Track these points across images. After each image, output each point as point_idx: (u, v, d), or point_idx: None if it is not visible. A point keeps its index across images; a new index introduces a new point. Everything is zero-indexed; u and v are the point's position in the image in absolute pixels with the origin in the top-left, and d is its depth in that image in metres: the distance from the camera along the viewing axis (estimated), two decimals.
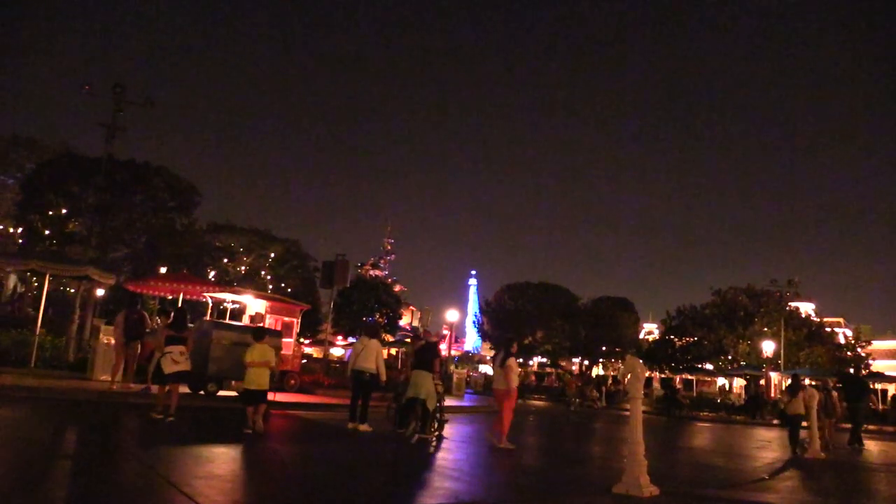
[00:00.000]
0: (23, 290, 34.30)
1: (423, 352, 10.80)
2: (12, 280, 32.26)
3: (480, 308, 58.41)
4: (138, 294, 20.39)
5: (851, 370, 43.48)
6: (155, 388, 10.87)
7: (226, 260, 38.62)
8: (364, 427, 10.53)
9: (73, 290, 26.87)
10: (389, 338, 38.02)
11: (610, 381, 39.20)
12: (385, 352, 26.54)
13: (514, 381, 10.18)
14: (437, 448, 9.60)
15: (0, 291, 34.51)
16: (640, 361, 7.35)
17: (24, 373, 14.04)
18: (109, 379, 13.81)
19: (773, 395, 38.67)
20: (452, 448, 9.86)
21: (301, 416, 12.91)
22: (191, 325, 16.86)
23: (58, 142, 34.91)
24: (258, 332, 10.31)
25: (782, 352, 38.38)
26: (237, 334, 13.95)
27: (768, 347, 38.89)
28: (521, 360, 42.90)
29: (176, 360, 10.12)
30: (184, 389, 13.38)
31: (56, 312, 28.23)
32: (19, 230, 31.97)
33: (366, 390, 10.80)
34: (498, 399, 10.14)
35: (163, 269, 29.02)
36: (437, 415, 10.90)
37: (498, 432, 9.80)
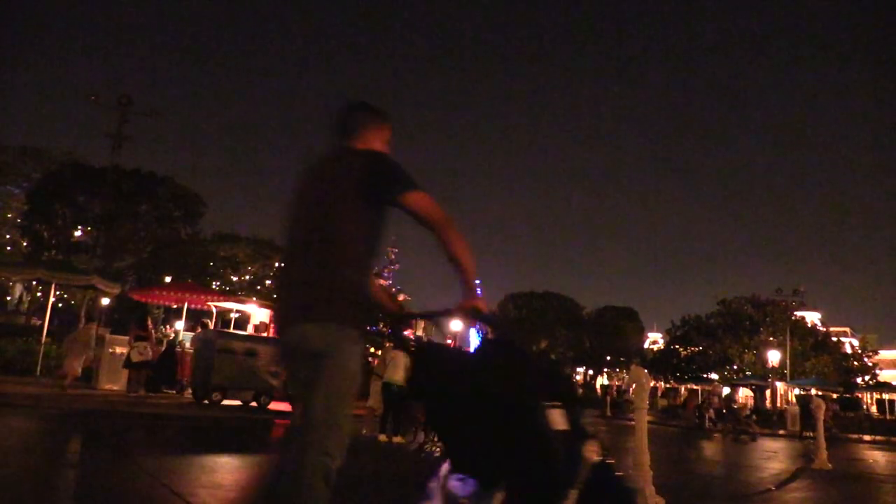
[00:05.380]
0: (28, 298, 34.42)
1: None
2: (18, 289, 32.38)
3: None
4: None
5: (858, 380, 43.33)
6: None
7: (230, 269, 38.68)
8: (398, 439, 10.50)
9: (78, 299, 26.95)
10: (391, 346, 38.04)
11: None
12: None
13: None
14: (442, 458, 9.57)
15: (6, 300, 34.62)
16: (646, 371, 7.32)
17: (30, 381, 14.09)
18: (114, 388, 14.00)
19: (780, 405, 38.44)
20: None
21: None
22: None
23: (64, 152, 35.14)
24: None
25: (788, 361, 38.20)
26: (242, 343, 13.94)
27: (774, 357, 38.71)
28: None
29: (141, 352, 13.74)
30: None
31: (61, 321, 28.32)
32: (25, 239, 32.10)
33: (395, 403, 10.68)
34: None
35: (167, 279, 29.09)
36: None
37: None
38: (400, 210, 2.41)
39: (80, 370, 13.99)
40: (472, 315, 2.35)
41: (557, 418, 2.21)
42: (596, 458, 2.27)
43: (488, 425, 2.26)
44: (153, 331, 16.12)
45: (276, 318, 2.58)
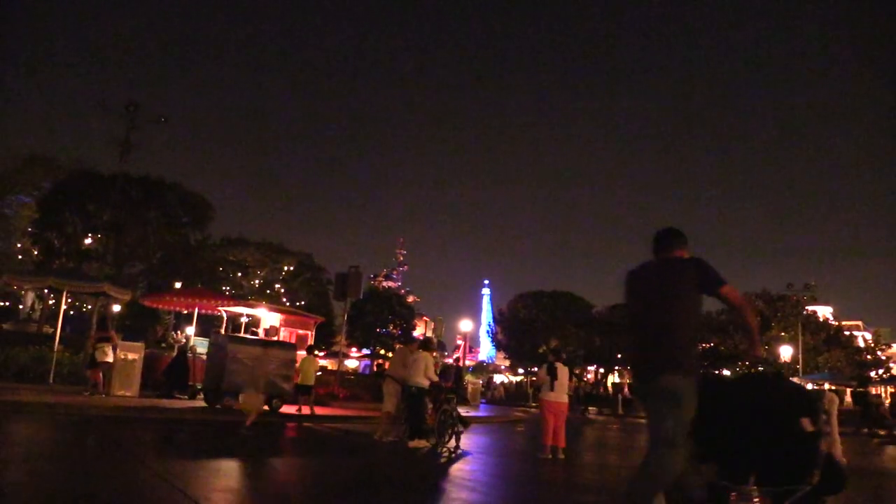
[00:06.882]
0: (40, 306, 34.72)
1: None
2: (30, 297, 32.63)
3: (494, 317, 58.22)
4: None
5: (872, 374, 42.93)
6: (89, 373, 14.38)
7: (240, 274, 38.84)
8: (421, 443, 10.17)
9: (89, 307, 27.14)
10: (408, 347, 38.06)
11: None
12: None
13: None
14: (453, 459, 9.55)
15: (18, 308, 34.90)
16: None
17: (43, 389, 14.19)
18: (127, 394, 14.16)
19: None
20: (469, 459, 9.81)
21: (316, 429, 12.92)
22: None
23: (73, 160, 35.30)
24: (309, 348, 15.42)
25: (800, 357, 37.93)
26: (253, 348, 13.99)
27: (786, 353, 38.43)
28: (534, 369, 42.64)
29: (105, 352, 14.15)
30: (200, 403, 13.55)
31: (73, 329, 28.52)
32: (36, 248, 32.35)
33: (412, 404, 10.40)
34: (561, 412, 9.98)
35: (178, 284, 29.25)
36: (453, 427, 10.70)
37: (554, 446, 9.78)
38: (715, 298, 3.73)
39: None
40: (757, 360, 4.35)
41: (807, 424, 3.54)
42: (827, 450, 3.62)
43: (761, 431, 3.58)
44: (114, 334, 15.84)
45: (642, 369, 3.88)
